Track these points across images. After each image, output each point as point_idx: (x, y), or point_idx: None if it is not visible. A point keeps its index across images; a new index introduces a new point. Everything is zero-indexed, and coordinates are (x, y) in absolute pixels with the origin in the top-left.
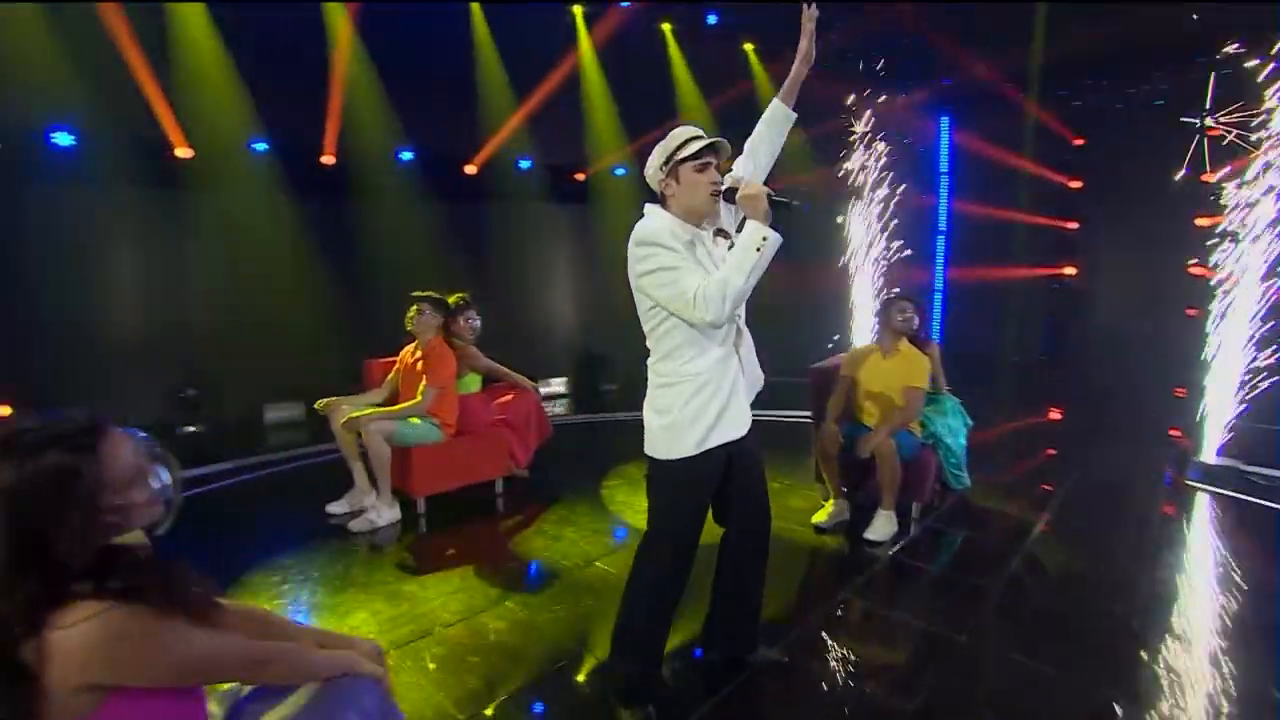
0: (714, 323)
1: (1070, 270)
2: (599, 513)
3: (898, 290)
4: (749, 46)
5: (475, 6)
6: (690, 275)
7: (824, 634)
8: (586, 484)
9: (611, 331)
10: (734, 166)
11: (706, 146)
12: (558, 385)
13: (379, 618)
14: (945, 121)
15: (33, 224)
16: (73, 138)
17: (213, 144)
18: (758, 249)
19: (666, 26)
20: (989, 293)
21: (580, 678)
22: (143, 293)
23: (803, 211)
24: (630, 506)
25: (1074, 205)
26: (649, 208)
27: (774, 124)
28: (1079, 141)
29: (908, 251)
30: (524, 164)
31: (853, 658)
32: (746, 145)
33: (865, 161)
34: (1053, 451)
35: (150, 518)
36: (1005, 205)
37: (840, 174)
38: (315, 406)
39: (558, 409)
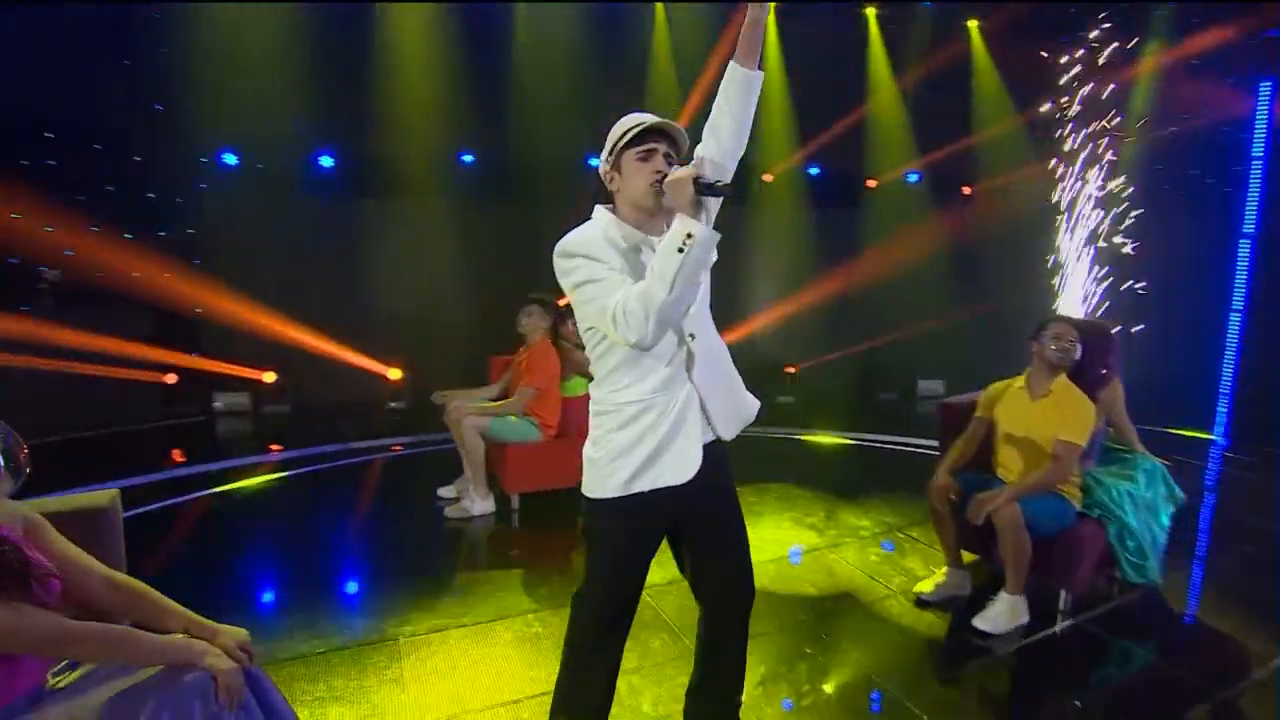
0: (639, 344)
1: None
2: None
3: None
4: (973, 24)
5: (660, 7)
6: (616, 288)
7: None
8: None
9: (788, 339)
10: (696, 153)
11: (649, 130)
12: None
13: (409, 605)
14: (1268, 88)
15: (293, 231)
16: (332, 159)
17: (427, 156)
18: (680, 249)
19: (870, 11)
20: None
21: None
22: (369, 289)
23: (730, 195)
24: None
25: None
26: (596, 210)
27: (731, 91)
28: None
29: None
30: None
31: None
32: (707, 124)
33: (1098, 145)
34: None
35: None
36: None
37: (1079, 167)
38: (432, 398)
39: None
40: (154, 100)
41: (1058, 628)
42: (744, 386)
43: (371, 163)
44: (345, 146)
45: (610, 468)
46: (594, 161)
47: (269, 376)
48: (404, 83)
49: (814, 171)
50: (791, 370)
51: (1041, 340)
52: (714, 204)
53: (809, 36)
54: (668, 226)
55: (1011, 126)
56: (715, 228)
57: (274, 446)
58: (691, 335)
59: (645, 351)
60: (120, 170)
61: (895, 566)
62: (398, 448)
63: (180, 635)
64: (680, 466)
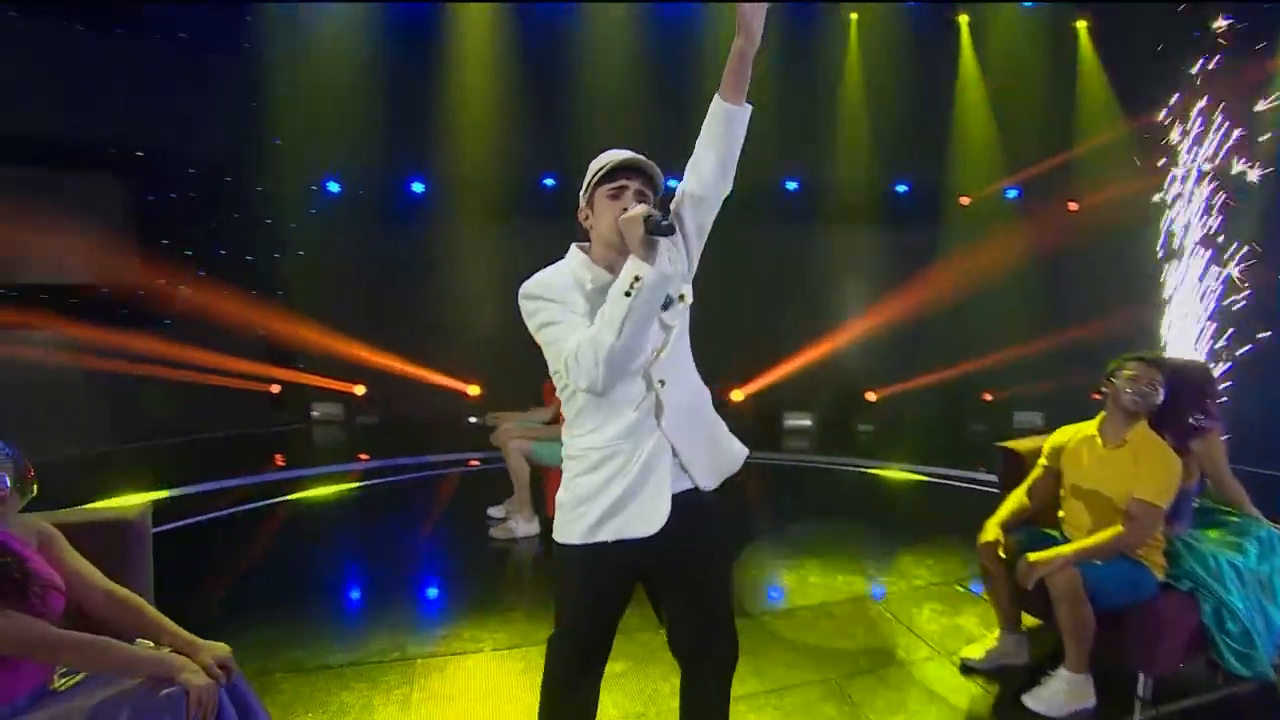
0: (591, 390)
1: None
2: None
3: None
4: (1081, 24)
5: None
6: (572, 332)
7: None
8: (739, 536)
9: (870, 364)
10: (679, 189)
11: (621, 166)
12: (800, 420)
13: (435, 624)
14: None
15: (384, 254)
16: (423, 185)
17: (511, 180)
18: (627, 293)
19: (963, 19)
20: None
21: None
22: (452, 309)
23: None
24: (759, 578)
25: None
26: (570, 248)
27: (715, 125)
28: None
29: None
30: (790, 184)
31: None
32: (691, 158)
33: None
34: None
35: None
36: None
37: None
38: (484, 418)
39: (798, 446)
40: (273, 134)
41: (1136, 718)
42: (728, 433)
43: (457, 188)
44: (431, 173)
45: (575, 513)
46: (674, 183)
47: (360, 390)
48: (484, 110)
49: (901, 189)
50: (872, 397)
51: (1116, 382)
52: (696, 244)
53: (894, 45)
54: None
55: (1121, 135)
56: (788, 247)
57: (362, 455)
58: (661, 381)
59: (602, 397)
60: (245, 199)
61: (946, 624)
62: (474, 462)
63: (164, 649)
64: (647, 518)
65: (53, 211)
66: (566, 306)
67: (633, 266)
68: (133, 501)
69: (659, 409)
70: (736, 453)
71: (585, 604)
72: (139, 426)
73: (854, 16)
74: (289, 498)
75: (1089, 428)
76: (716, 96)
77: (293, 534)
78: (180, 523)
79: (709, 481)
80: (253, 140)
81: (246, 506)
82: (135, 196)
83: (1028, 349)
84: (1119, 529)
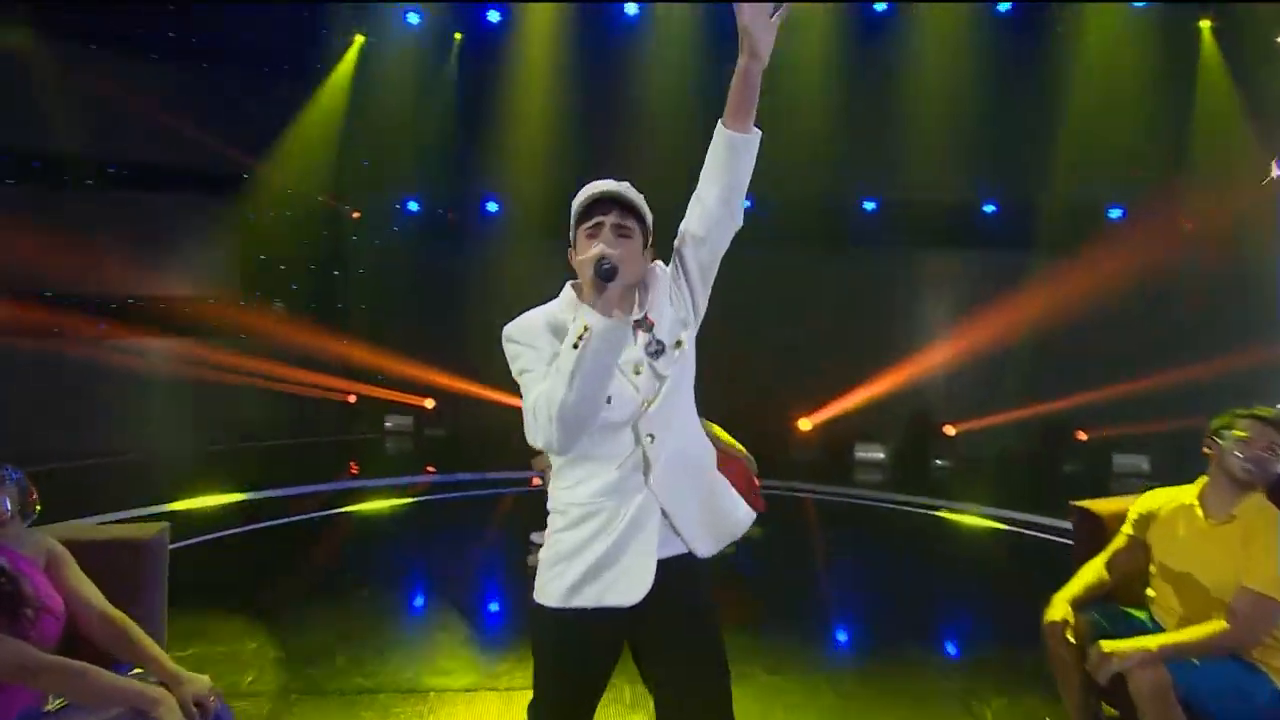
0: (547, 448)
1: None
2: (751, 619)
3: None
4: (1205, 24)
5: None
6: (540, 382)
7: None
8: (788, 579)
9: (950, 395)
10: (681, 227)
11: (595, 201)
12: (872, 452)
13: (455, 655)
14: None
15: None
16: (496, 205)
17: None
18: (575, 345)
19: (1062, 21)
20: None
21: None
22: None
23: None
24: (801, 632)
25: None
26: (565, 287)
27: (718, 154)
28: None
29: None
30: (868, 205)
31: None
32: (695, 192)
33: None
34: None
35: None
36: None
37: None
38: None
39: (868, 479)
40: (361, 158)
41: None
42: (732, 494)
43: (529, 208)
44: (504, 193)
45: (553, 571)
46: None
47: (429, 403)
48: (549, 130)
49: (989, 209)
50: (950, 431)
51: (1221, 443)
52: (700, 286)
53: (980, 50)
54: (639, 307)
55: (1249, 146)
56: (865, 270)
57: (429, 468)
58: (651, 436)
59: (563, 455)
60: (333, 218)
61: (1009, 705)
62: (536, 481)
63: (149, 681)
64: (628, 586)
65: (160, 232)
66: (538, 353)
67: (584, 315)
68: (213, 501)
69: (646, 466)
70: (740, 516)
71: (563, 673)
72: (229, 432)
73: (933, 21)
74: (348, 509)
75: (1187, 494)
76: (720, 124)
77: (344, 548)
78: (244, 528)
79: (705, 547)
80: (342, 164)
81: (308, 516)
82: (235, 216)
83: (1131, 384)
84: (1222, 624)
